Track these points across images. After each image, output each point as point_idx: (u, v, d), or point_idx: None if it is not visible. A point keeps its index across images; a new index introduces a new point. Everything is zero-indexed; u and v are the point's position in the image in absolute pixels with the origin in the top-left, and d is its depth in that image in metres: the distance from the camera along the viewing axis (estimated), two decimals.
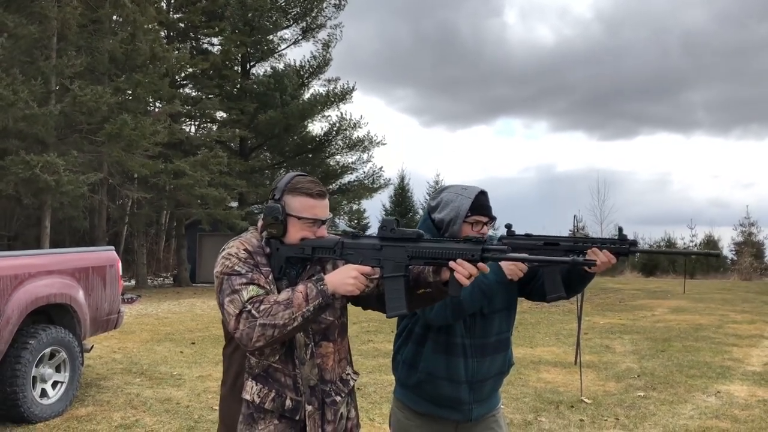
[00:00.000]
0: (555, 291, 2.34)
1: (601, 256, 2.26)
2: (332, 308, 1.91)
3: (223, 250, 1.99)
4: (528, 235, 2.41)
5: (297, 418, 1.96)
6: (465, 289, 2.11)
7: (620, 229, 2.32)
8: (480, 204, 2.30)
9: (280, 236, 1.99)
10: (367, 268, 1.87)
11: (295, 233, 1.99)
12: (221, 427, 2.09)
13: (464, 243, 1.84)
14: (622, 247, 2.29)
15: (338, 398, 2.05)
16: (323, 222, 2.02)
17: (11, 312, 5.00)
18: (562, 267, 2.34)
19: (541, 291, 2.42)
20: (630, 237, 2.30)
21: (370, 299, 2.04)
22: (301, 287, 1.85)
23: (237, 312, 1.84)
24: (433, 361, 2.32)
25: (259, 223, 2.07)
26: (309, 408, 1.96)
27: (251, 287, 1.88)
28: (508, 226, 2.44)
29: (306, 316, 1.82)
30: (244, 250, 1.96)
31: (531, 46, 67.74)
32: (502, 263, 2.18)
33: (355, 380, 2.17)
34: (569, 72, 58.08)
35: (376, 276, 1.92)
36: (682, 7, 60.83)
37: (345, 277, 1.85)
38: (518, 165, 67.60)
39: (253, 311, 1.82)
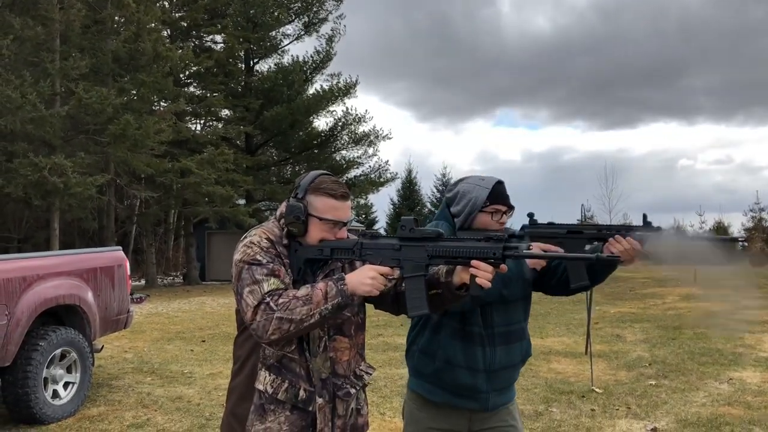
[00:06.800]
0: (579, 280, 2.28)
1: (624, 243, 2.19)
2: (351, 307, 1.89)
3: (245, 237, 1.98)
4: (551, 224, 2.38)
5: (310, 409, 1.95)
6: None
7: (644, 216, 2.24)
8: (498, 193, 2.31)
9: (300, 235, 1.98)
10: (385, 269, 1.86)
11: (315, 234, 1.98)
12: (229, 418, 2.06)
13: (485, 242, 1.80)
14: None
15: (352, 390, 2.03)
16: (344, 224, 2.01)
17: (21, 314, 5.02)
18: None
19: (559, 285, 2.40)
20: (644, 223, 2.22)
21: (384, 299, 2.02)
22: (321, 284, 1.84)
23: (255, 303, 1.83)
24: (451, 348, 2.29)
25: (278, 212, 2.05)
26: (320, 401, 1.95)
27: (272, 280, 1.87)
28: (531, 215, 2.42)
29: (323, 314, 1.82)
30: (266, 239, 1.95)
31: (527, 35, 67.30)
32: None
33: (371, 374, 2.16)
34: (567, 60, 57.73)
35: (395, 277, 1.91)
36: None
37: (363, 278, 1.84)
38: (521, 155, 67.37)
39: (272, 304, 1.81)
